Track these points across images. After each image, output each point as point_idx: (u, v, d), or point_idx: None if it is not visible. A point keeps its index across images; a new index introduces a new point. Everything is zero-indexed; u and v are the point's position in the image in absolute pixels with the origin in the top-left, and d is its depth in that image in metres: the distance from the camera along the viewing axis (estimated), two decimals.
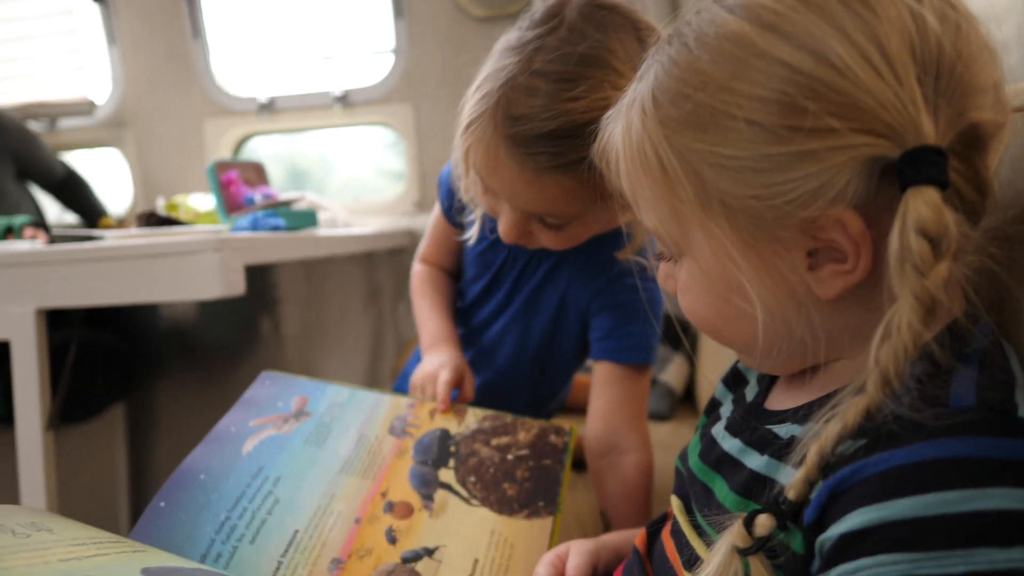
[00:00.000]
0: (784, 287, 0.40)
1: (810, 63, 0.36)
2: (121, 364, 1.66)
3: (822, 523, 0.35)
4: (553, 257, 0.85)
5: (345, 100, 1.88)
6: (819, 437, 0.36)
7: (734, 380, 0.58)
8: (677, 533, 0.50)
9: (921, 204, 0.33)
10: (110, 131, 2.06)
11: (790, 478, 0.37)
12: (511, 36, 0.68)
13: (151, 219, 1.34)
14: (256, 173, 1.40)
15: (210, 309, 1.83)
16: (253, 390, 0.77)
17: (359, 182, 2.50)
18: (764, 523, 0.36)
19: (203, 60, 1.98)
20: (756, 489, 0.42)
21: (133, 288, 0.97)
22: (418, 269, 0.97)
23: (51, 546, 0.41)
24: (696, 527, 0.47)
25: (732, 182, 0.38)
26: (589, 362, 0.88)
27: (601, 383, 0.81)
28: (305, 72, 2.03)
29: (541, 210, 0.70)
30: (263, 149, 2.18)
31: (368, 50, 2.06)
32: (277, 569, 0.58)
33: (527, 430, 0.75)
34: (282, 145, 2.34)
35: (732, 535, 0.38)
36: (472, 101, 0.69)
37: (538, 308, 0.87)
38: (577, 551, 0.58)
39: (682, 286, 0.46)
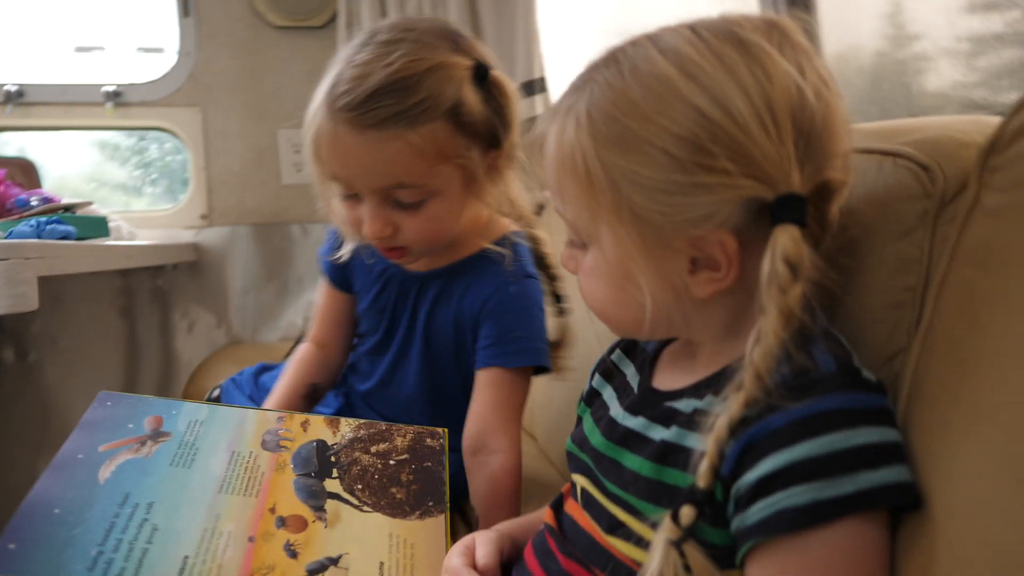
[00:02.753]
0: (669, 284, 0.49)
1: (718, 113, 0.45)
2: None
3: (736, 473, 0.44)
4: (441, 279, 0.87)
5: (118, 98, 1.67)
6: (712, 430, 0.44)
7: (609, 373, 0.66)
8: (591, 504, 0.56)
9: (787, 239, 0.44)
10: None
11: (699, 445, 0.45)
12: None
13: None
14: (25, 173, 1.20)
15: None
16: (93, 412, 0.68)
17: (69, 190, 2.20)
18: (688, 513, 0.44)
19: None
20: (670, 455, 0.49)
21: None
22: (298, 348, 1.01)
23: None
24: (610, 495, 0.54)
25: (643, 197, 0.47)
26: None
27: (480, 386, 0.84)
28: (63, 63, 1.77)
29: (391, 179, 0.74)
30: None
31: (137, 46, 1.86)
32: None
33: (403, 436, 0.77)
34: None
35: (664, 530, 0.44)
36: (311, 108, 0.75)
37: (438, 330, 0.88)
38: (483, 540, 0.62)
39: (585, 270, 0.53)
